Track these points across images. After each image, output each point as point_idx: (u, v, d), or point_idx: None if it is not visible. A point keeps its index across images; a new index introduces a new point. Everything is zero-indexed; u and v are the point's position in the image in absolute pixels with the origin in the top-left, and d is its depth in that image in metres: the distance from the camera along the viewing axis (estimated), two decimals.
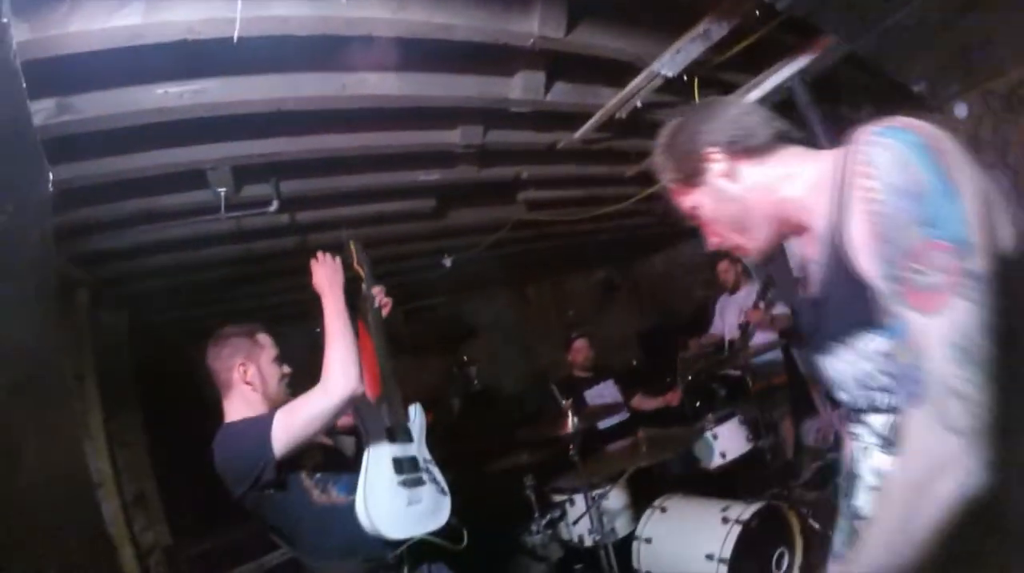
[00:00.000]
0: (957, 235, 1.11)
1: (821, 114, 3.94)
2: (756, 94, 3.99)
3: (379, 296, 3.01)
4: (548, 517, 4.78)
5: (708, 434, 4.96)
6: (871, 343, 1.30)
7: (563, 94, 3.58)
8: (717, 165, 1.53)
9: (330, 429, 2.79)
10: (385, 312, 3.01)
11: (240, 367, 2.67)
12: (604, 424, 5.80)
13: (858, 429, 1.47)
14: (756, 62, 3.84)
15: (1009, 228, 1.20)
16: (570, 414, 4.44)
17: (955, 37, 4.28)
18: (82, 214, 3.43)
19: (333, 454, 2.78)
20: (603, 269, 9.52)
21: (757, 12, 3.05)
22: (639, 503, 4.79)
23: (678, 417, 6.05)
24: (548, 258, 7.40)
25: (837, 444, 5.26)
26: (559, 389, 5.51)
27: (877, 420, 1.39)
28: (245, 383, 2.66)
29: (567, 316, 9.11)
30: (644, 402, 6.25)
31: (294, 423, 2.37)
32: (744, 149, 1.51)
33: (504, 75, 3.37)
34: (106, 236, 3.75)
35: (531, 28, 2.91)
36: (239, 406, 2.64)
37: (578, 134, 3.97)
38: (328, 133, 3.43)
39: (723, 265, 6.38)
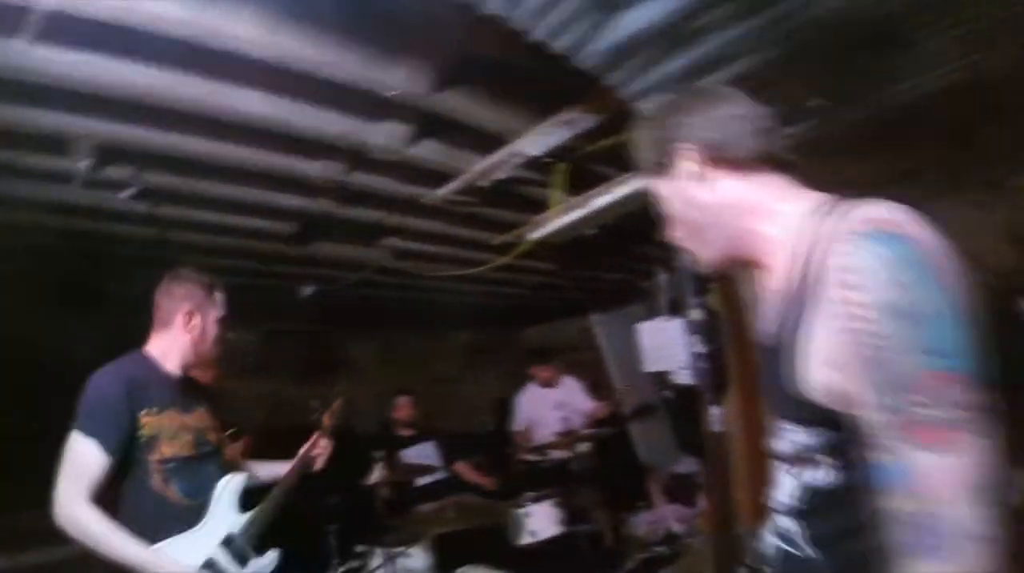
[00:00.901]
0: (966, 365, 0.97)
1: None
2: (623, 191, 4.13)
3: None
4: (347, 567, 4.68)
5: (521, 511, 4.98)
6: (791, 434, 1.24)
7: (429, 151, 3.61)
8: (689, 164, 1.36)
9: None
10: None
11: (187, 314, 2.73)
12: (422, 483, 5.75)
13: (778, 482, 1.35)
14: (629, 159, 3.96)
15: None
16: (378, 467, 4.39)
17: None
18: None
19: (206, 456, 2.71)
20: (473, 331, 9.54)
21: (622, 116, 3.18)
22: (446, 567, 4.74)
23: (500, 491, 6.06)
24: (418, 309, 7.38)
25: (668, 540, 5.37)
26: (380, 442, 5.46)
27: (787, 483, 1.29)
28: (185, 330, 2.73)
29: (430, 372, 9.07)
30: (467, 471, 6.22)
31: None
32: (723, 157, 1.33)
33: (370, 120, 3.38)
34: None
35: (396, 80, 2.95)
36: (166, 347, 2.71)
37: (440, 193, 4.01)
38: (197, 136, 3.35)
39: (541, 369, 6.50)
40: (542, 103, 3.26)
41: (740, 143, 1.32)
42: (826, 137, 3.79)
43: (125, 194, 3.71)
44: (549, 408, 6.24)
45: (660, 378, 4.51)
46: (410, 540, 4.58)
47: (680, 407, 6.31)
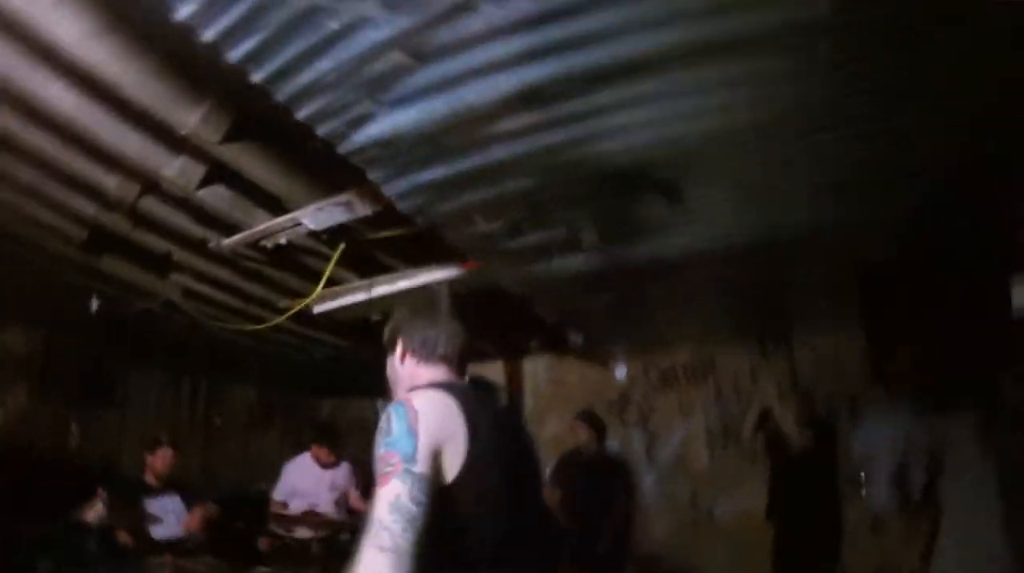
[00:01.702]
0: (403, 450, 1.75)
1: (457, 327, 4.32)
2: (404, 283, 4.36)
3: None
4: None
5: None
6: None
7: (217, 197, 3.74)
8: (398, 349, 2.21)
9: None
10: None
11: None
12: (163, 534, 5.52)
13: None
14: (414, 253, 4.22)
15: (459, 463, 1.83)
16: (99, 504, 4.25)
17: (640, 314, 4.93)
18: None
19: None
20: (265, 390, 9.41)
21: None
22: None
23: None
24: (211, 355, 7.26)
25: None
26: (124, 486, 5.28)
27: None
28: None
29: (213, 422, 8.81)
30: (193, 520, 5.97)
31: None
32: (414, 350, 2.19)
33: (170, 151, 3.49)
34: None
35: (190, 120, 3.11)
36: None
37: (226, 242, 4.12)
38: (7, 110, 3.32)
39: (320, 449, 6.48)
40: (326, 179, 3.48)
41: (427, 347, 2.19)
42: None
43: None
44: (325, 488, 6.14)
45: None
46: None
47: None
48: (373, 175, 2.95)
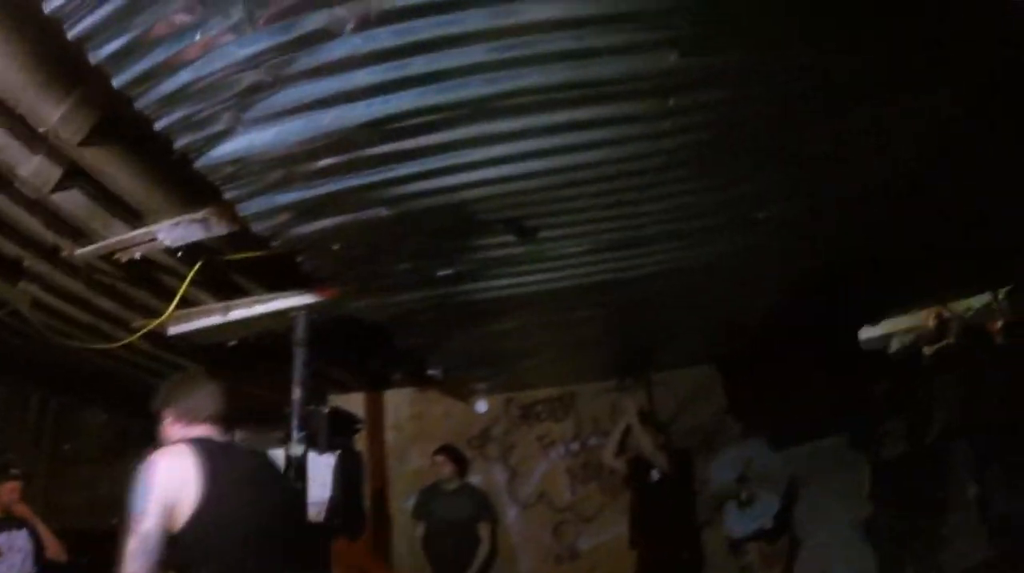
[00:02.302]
0: (138, 509, 2.33)
1: (320, 353, 4.36)
2: (261, 308, 4.36)
3: None
4: None
5: None
6: None
7: (73, 203, 3.66)
8: (167, 417, 2.73)
9: None
10: None
11: None
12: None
13: None
14: (272, 277, 4.23)
15: (190, 510, 2.35)
16: None
17: (499, 348, 5.02)
18: None
19: None
20: (121, 414, 8.97)
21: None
22: None
23: None
24: (63, 373, 6.92)
25: None
26: None
27: None
28: None
29: (62, 448, 8.34)
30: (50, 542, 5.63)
31: None
32: (179, 416, 2.70)
33: (27, 148, 3.40)
34: None
35: (51, 116, 3.07)
36: None
37: (79, 252, 4.02)
38: None
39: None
40: (187, 193, 3.49)
41: (193, 410, 2.69)
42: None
43: None
44: None
45: None
46: None
47: None
48: (229, 194, 2.99)
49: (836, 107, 3.01)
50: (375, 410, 7.17)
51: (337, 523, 4.33)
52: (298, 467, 4.16)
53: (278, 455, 4.68)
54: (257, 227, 3.20)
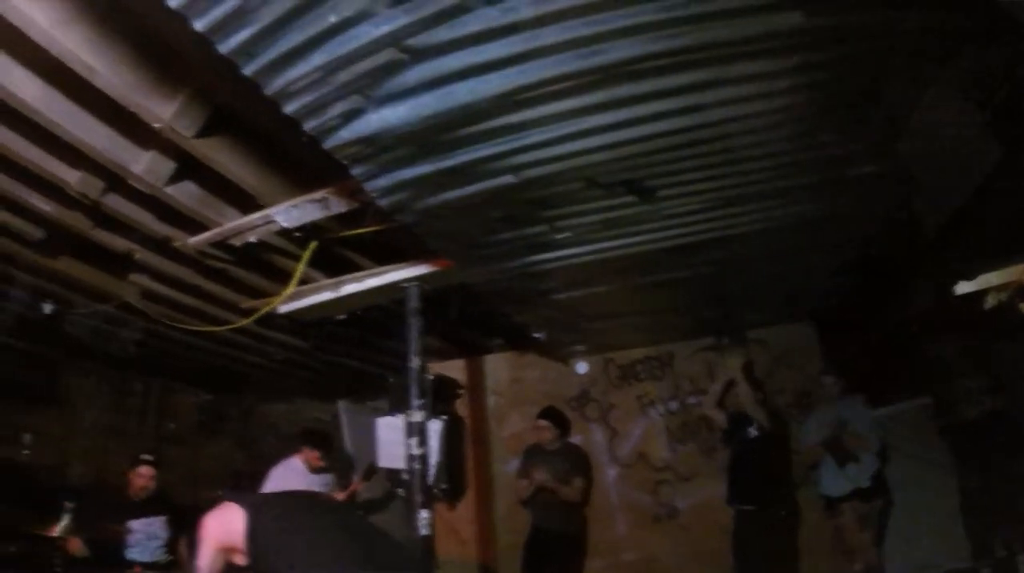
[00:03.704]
0: None
1: (427, 323, 4.34)
2: (373, 282, 4.34)
3: None
4: None
5: None
6: None
7: (186, 194, 3.67)
8: None
9: None
10: None
11: None
12: (139, 555, 5.34)
13: None
14: (383, 252, 4.20)
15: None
16: (65, 518, 4.12)
17: (598, 311, 5.00)
18: None
19: None
20: (218, 394, 9.22)
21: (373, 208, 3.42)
22: None
23: None
24: (165, 358, 7.08)
25: None
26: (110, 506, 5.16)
27: None
28: None
29: (166, 427, 8.60)
30: (182, 548, 5.81)
31: None
32: None
33: (138, 145, 3.42)
34: None
35: (165, 113, 3.04)
36: None
37: (192, 240, 4.04)
38: None
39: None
40: (300, 176, 3.45)
41: None
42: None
43: None
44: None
45: (393, 475, 4.58)
46: None
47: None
48: (356, 171, 2.94)
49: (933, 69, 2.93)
50: (475, 376, 7.19)
51: (443, 488, 4.35)
52: (420, 432, 4.16)
53: (382, 423, 4.72)
54: (383, 202, 3.16)
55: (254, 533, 2.57)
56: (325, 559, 2.56)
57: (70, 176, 3.69)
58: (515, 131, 2.85)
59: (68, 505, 4.44)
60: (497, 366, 7.26)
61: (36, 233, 4.39)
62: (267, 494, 4.91)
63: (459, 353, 7.09)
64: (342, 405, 7.98)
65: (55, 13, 2.64)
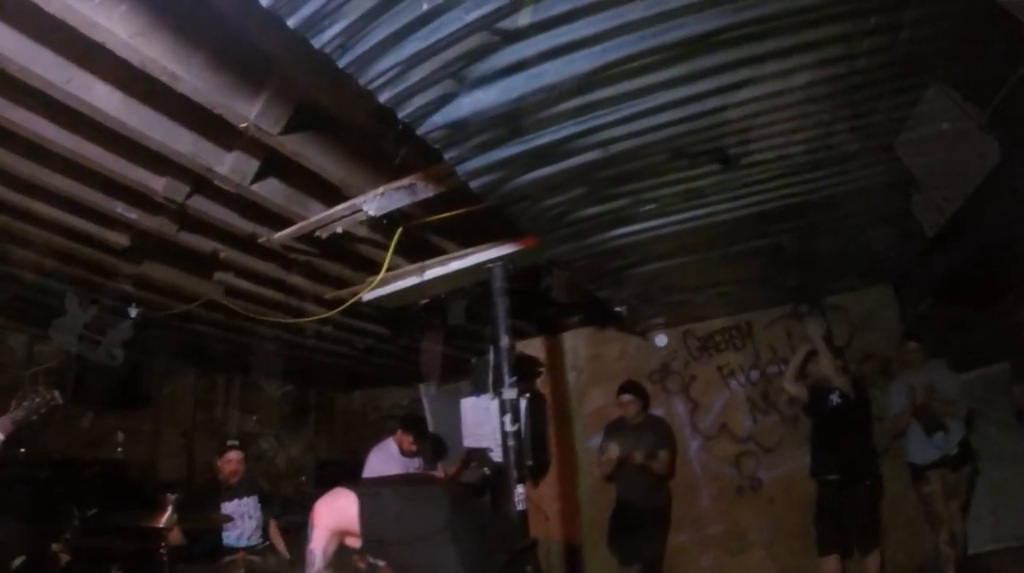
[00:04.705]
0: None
1: (513, 303, 4.34)
2: (457, 264, 4.35)
3: None
4: None
5: None
6: None
7: (271, 191, 3.70)
8: None
9: None
10: None
11: None
12: (237, 540, 5.48)
13: None
14: (466, 235, 4.20)
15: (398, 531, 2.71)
16: (169, 509, 4.23)
17: (677, 283, 4.95)
18: None
19: None
20: (298, 385, 9.39)
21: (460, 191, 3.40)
22: None
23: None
24: (245, 353, 7.23)
25: None
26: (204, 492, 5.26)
27: None
28: None
29: (251, 420, 8.81)
30: (275, 533, 5.94)
31: None
32: None
33: (221, 147, 3.45)
34: None
35: (249, 113, 3.06)
36: None
37: (278, 235, 4.08)
38: (44, 118, 3.24)
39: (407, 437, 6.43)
40: (385, 165, 3.44)
41: None
42: None
43: None
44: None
45: (479, 455, 4.63)
46: None
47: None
48: (449, 155, 2.91)
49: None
50: (554, 353, 7.17)
51: (527, 465, 4.36)
52: (514, 410, 4.18)
53: (467, 404, 4.73)
54: (474, 184, 3.13)
55: (369, 516, 2.68)
56: (442, 537, 2.66)
57: (156, 183, 3.76)
58: (602, 107, 2.80)
59: (171, 497, 4.54)
60: (576, 343, 7.20)
61: (122, 240, 4.48)
62: (375, 478, 5.00)
63: (537, 331, 7.06)
64: (423, 389, 8.05)
65: (133, 26, 2.65)
